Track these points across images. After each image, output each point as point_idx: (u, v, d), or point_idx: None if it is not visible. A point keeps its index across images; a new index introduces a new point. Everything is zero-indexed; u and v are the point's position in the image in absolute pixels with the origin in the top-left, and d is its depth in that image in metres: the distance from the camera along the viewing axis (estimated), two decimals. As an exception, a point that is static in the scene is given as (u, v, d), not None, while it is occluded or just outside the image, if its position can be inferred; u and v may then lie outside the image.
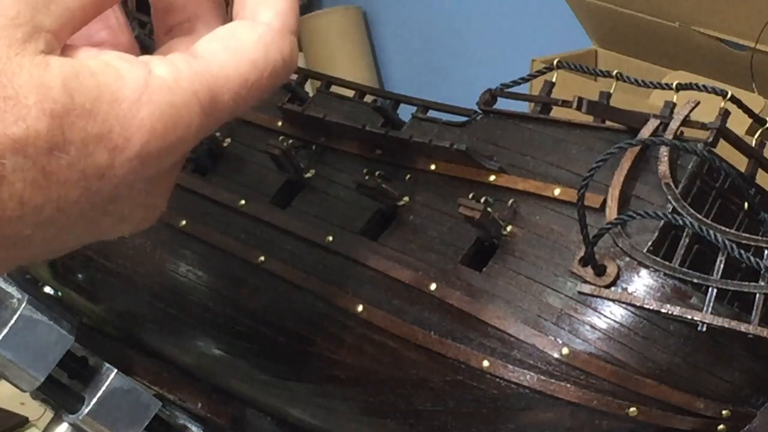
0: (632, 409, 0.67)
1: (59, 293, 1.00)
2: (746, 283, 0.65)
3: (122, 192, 0.45)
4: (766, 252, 0.66)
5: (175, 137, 0.44)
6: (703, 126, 0.72)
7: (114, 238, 0.49)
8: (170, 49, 0.50)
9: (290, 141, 0.85)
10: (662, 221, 0.68)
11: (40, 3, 0.42)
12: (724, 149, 0.71)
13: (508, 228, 0.73)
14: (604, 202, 0.70)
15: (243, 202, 0.85)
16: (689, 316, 0.65)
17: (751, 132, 0.78)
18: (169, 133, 0.44)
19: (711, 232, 0.65)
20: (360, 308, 0.76)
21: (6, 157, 0.40)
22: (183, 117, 0.44)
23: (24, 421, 1.19)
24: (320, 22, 2.35)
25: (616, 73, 0.77)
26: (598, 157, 0.69)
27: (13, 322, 0.81)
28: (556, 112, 0.78)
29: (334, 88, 0.93)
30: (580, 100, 0.72)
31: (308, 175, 0.83)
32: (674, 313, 0.65)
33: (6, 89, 0.40)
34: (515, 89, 0.82)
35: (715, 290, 0.65)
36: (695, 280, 0.66)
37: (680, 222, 0.66)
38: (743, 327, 0.64)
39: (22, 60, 0.41)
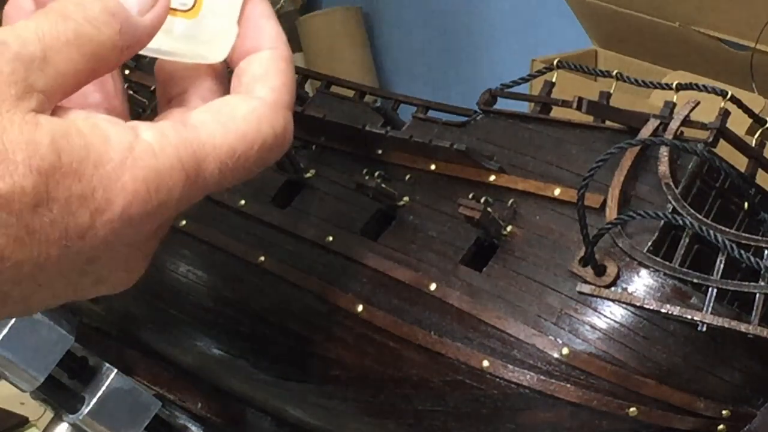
0: (632, 409, 0.67)
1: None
2: (746, 283, 0.65)
3: (102, 253, 0.45)
4: (766, 252, 0.66)
5: (157, 202, 0.45)
6: (703, 126, 0.72)
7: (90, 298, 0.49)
8: (165, 118, 0.50)
9: (290, 141, 0.85)
10: (662, 221, 0.68)
11: (35, 64, 0.43)
12: (724, 149, 0.71)
13: (508, 228, 0.73)
14: (604, 202, 0.70)
15: (243, 202, 0.85)
16: (689, 316, 0.65)
17: (751, 132, 0.78)
18: (151, 197, 0.44)
19: (711, 232, 0.65)
20: (360, 308, 0.76)
21: None
22: (166, 182, 0.45)
23: (24, 421, 1.19)
24: (320, 22, 2.35)
25: (616, 73, 0.77)
26: (598, 157, 0.69)
27: (13, 322, 0.81)
28: (556, 112, 0.78)
29: (334, 88, 0.93)
30: (580, 100, 0.72)
31: (308, 175, 0.83)
32: (674, 313, 0.65)
33: None
34: (515, 89, 0.82)
35: (715, 290, 0.65)
36: (695, 280, 0.66)
37: (680, 222, 0.66)
38: (743, 327, 0.64)
39: (13, 117, 0.41)
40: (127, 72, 0.96)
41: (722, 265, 0.65)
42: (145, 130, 0.45)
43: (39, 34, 0.43)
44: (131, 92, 0.93)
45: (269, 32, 0.51)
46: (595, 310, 0.68)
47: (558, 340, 0.68)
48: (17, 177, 0.41)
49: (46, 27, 0.44)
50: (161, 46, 0.49)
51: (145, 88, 0.95)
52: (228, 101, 0.49)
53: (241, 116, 0.48)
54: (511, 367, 0.69)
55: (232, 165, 0.47)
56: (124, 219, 0.44)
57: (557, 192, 0.72)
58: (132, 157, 0.44)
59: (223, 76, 0.53)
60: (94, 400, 0.84)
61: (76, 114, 0.45)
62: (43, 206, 0.42)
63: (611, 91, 0.75)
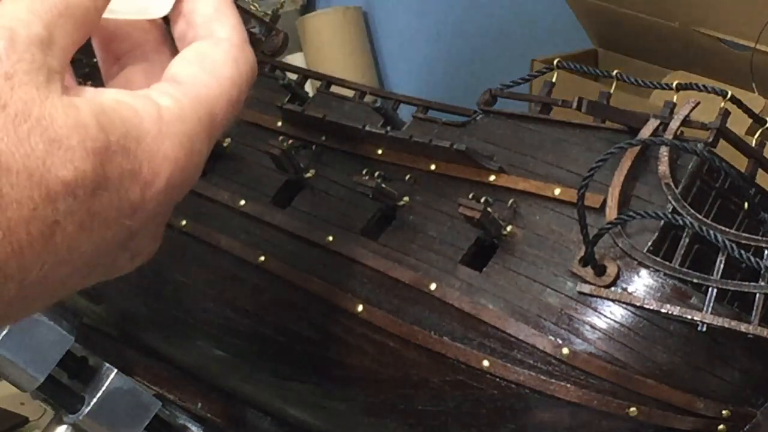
0: (632, 409, 0.67)
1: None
2: (746, 283, 0.65)
3: (145, 226, 0.45)
4: (766, 252, 0.66)
5: (193, 165, 0.45)
6: (703, 126, 0.72)
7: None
8: (126, 77, 0.50)
9: (290, 141, 0.85)
10: (662, 221, 0.68)
11: (44, 45, 0.42)
12: (724, 149, 0.71)
13: (508, 228, 0.73)
14: (604, 202, 0.70)
15: (243, 202, 0.85)
16: (689, 316, 0.65)
17: (751, 132, 0.78)
18: (188, 162, 0.45)
19: (711, 232, 0.65)
20: (360, 308, 0.76)
21: (59, 201, 0.40)
22: (196, 145, 0.45)
23: (24, 421, 1.19)
24: (320, 22, 2.35)
25: (616, 73, 0.77)
26: (598, 157, 0.69)
27: (13, 322, 0.81)
28: (556, 112, 0.78)
29: (334, 88, 0.93)
30: (580, 100, 0.72)
31: (308, 175, 0.83)
32: (674, 313, 0.65)
33: (48, 132, 0.40)
34: (515, 89, 0.82)
35: (715, 290, 0.65)
36: (695, 280, 0.66)
37: (680, 222, 0.66)
38: (743, 327, 0.64)
39: (54, 102, 0.41)
40: None
41: (722, 265, 0.65)
42: (159, 96, 0.45)
43: (35, 12, 0.42)
44: None
45: None
46: (595, 310, 0.68)
47: (558, 340, 0.68)
48: (78, 162, 0.40)
49: (38, 2, 0.43)
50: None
51: None
52: (201, 50, 0.48)
53: (222, 63, 0.48)
54: (511, 367, 0.69)
55: (232, 111, 0.48)
56: (169, 188, 0.44)
57: (557, 192, 0.72)
58: (164, 125, 0.44)
59: (161, 23, 0.52)
60: (94, 400, 0.84)
61: (90, 91, 0.44)
62: (101, 188, 0.41)
63: (611, 91, 0.75)
